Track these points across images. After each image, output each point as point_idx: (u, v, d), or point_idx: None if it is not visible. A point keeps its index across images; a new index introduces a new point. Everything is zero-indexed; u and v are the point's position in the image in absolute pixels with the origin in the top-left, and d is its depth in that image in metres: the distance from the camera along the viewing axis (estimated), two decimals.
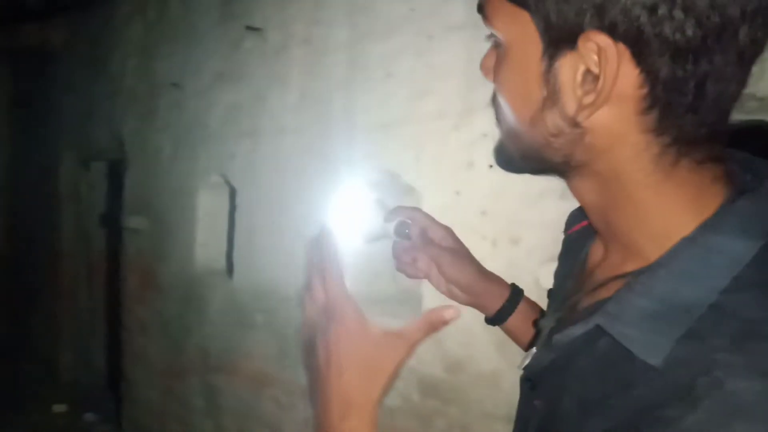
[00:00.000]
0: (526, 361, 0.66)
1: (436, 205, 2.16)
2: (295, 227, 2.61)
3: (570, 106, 0.49)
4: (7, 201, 5.72)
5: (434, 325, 0.65)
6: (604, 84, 0.46)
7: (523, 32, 0.50)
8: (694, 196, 0.50)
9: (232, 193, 3.26)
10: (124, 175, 4.06)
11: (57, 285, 4.94)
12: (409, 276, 0.86)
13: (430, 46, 2.13)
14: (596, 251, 0.62)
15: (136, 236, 3.88)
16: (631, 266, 0.53)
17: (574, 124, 0.50)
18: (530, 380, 0.65)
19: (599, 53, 0.46)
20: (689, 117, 0.47)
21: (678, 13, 0.43)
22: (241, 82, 3.07)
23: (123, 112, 4.07)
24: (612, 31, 0.45)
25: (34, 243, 5.24)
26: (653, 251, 0.51)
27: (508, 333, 0.91)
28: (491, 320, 0.89)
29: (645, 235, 0.52)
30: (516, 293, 0.88)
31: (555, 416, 0.56)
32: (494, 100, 0.58)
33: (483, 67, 0.58)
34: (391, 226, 0.85)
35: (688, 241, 0.49)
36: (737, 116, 1.47)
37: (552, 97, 0.50)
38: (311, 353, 0.63)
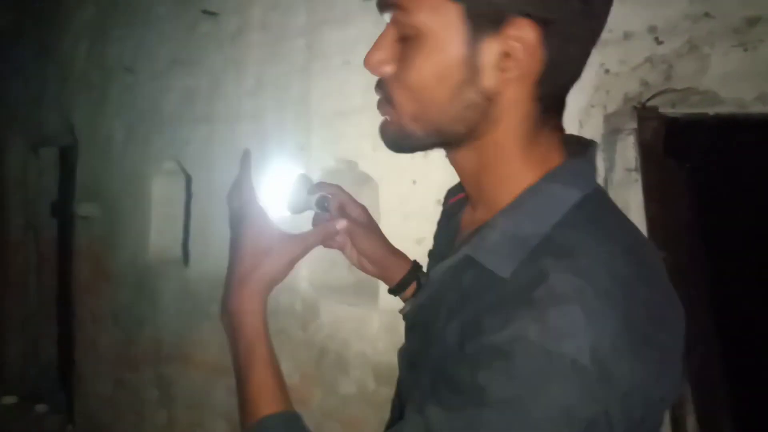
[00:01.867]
0: (407, 308, 0.81)
1: (393, 193, 2.17)
2: None
3: (489, 83, 0.59)
4: None
5: (328, 233, 0.85)
6: (525, 64, 0.58)
7: (447, 20, 0.58)
8: (543, 157, 0.64)
9: (188, 181, 3.21)
10: (75, 162, 3.95)
11: (4, 275, 4.79)
12: (326, 246, 0.95)
13: None
14: (467, 215, 0.75)
15: (87, 224, 3.78)
16: (490, 215, 0.65)
17: (488, 97, 0.60)
18: (409, 328, 0.80)
19: (522, 37, 0.56)
20: (560, 88, 0.63)
21: (577, 5, 0.57)
22: (196, 67, 3.02)
23: (74, 97, 3.95)
24: (532, 17, 0.56)
25: None
26: (505, 199, 0.64)
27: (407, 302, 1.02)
28: (392, 290, 1.00)
29: (505, 190, 0.64)
30: (416, 267, 0.99)
31: (429, 339, 0.67)
32: (387, 88, 0.64)
33: (374, 60, 0.64)
34: (314, 199, 0.92)
35: (531, 189, 0.63)
36: (682, 109, 1.50)
37: (471, 75, 0.59)
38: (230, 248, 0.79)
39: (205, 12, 2.88)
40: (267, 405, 0.70)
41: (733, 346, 1.87)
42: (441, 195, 2.22)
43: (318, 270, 2.45)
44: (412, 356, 0.74)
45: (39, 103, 4.30)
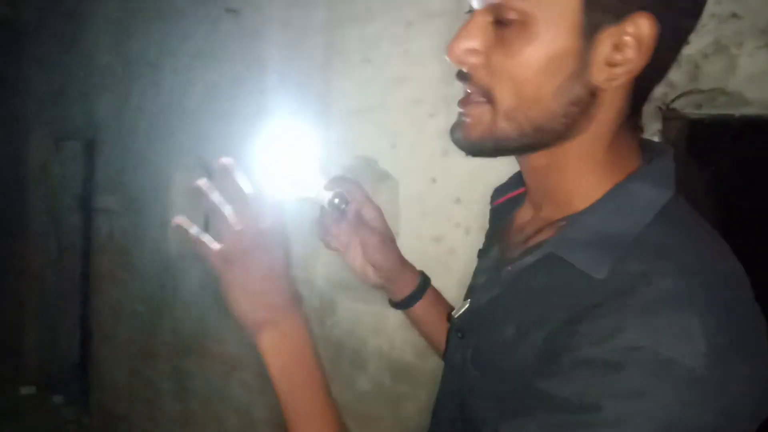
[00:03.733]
0: (461, 311, 0.74)
1: (412, 192, 2.16)
2: None
3: (597, 77, 0.56)
4: None
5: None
6: (639, 61, 0.54)
7: (563, 7, 0.54)
8: (624, 157, 0.61)
9: (208, 176, 3.22)
10: (98, 155, 3.99)
11: (26, 266, 4.85)
12: (327, 246, 0.88)
13: (408, 33, 2.13)
14: (524, 214, 0.71)
15: (108, 217, 3.82)
16: (563, 214, 0.62)
17: (594, 93, 0.57)
18: (460, 331, 0.72)
19: (639, 33, 0.53)
20: (650, 87, 0.60)
21: (690, 2, 0.55)
22: (218, 62, 3.03)
23: (97, 91, 3.99)
24: (656, 14, 0.53)
25: (1, 222, 5.14)
26: (583, 202, 0.61)
27: (412, 318, 0.95)
28: (398, 304, 0.93)
29: (580, 189, 0.61)
30: (425, 282, 0.93)
31: (493, 345, 0.63)
32: (480, 81, 0.58)
33: (463, 48, 0.58)
34: (328, 196, 0.83)
35: (618, 188, 0.60)
36: (707, 110, 1.48)
37: (581, 70, 0.56)
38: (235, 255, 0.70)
39: (227, 10, 2.90)
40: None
41: None
42: (460, 193, 2.22)
43: (334, 266, 2.45)
44: (471, 362, 0.68)
45: (62, 97, 4.35)
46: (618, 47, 0.54)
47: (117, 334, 3.76)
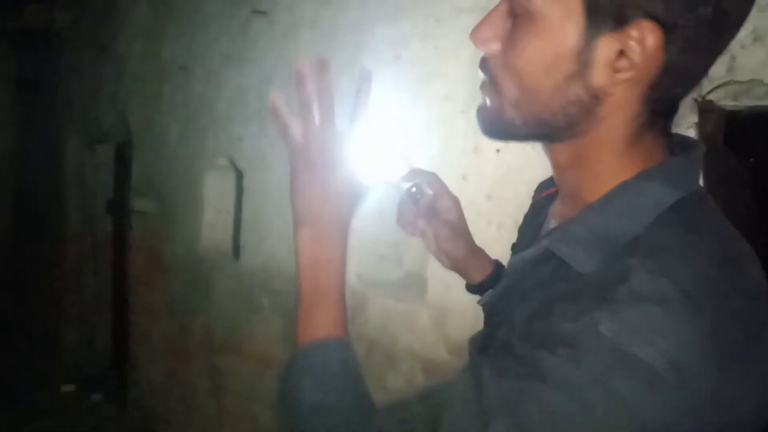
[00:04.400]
0: (485, 300, 0.80)
1: None
2: None
3: (598, 81, 0.56)
4: (13, 183, 5.74)
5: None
6: (641, 67, 0.54)
7: (567, 7, 0.55)
8: (646, 160, 0.60)
9: (239, 176, 3.26)
10: (131, 158, 4.06)
11: (62, 267, 4.96)
12: (406, 232, 0.93)
13: (438, 29, 2.13)
14: (555, 210, 0.72)
15: (142, 218, 3.89)
16: (576, 209, 0.63)
17: (594, 95, 0.57)
18: (487, 315, 0.79)
19: (642, 40, 0.53)
20: (675, 94, 0.59)
21: (708, 13, 0.52)
22: (248, 64, 3.07)
23: (129, 94, 4.06)
24: (657, 20, 0.52)
25: (39, 225, 5.26)
26: (593, 195, 0.61)
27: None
28: (471, 288, 0.98)
29: (596, 187, 0.61)
30: (497, 270, 0.97)
31: (499, 334, 0.64)
32: (491, 68, 0.61)
33: (482, 36, 0.61)
34: (406, 186, 0.89)
35: (622, 186, 0.59)
36: (745, 102, 1.45)
37: (580, 71, 0.56)
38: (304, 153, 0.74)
39: (255, 12, 2.93)
40: (325, 327, 0.71)
41: None
42: (491, 190, 2.22)
43: (366, 264, 2.46)
44: (482, 341, 0.71)
45: (96, 101, 4.44)
46: (623, 53, 0.54)
47: (152, 334, 3.82)
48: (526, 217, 0.86)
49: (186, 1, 3.55)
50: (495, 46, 0.60)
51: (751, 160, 1.63)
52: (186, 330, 3.51)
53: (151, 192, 3.81)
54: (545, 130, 0.61)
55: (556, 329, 0.52)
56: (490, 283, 0.94)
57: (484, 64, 0.62)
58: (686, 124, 1.48)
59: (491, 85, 0.62)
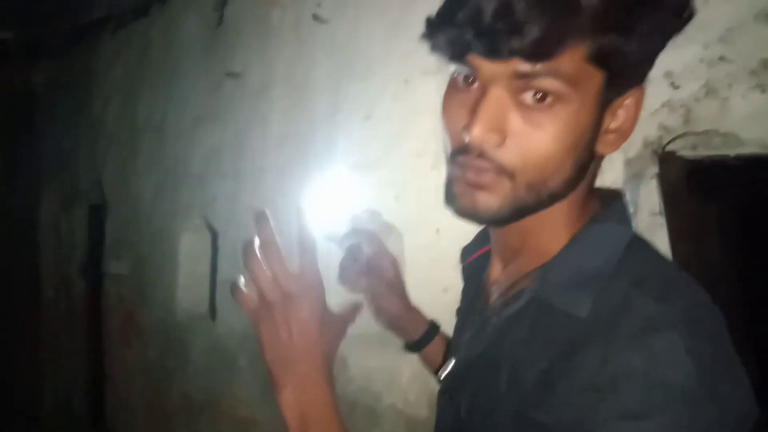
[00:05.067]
0: (447, 370, 0.76)
1: (418, 242, 2.18)
2: None
3: (600, 145, 0.61)
4: None
5: (356, 310, 0.76)
6: (631, 127, 0.61)
7: (593, 88, 0.57)
8: (588, 204, 0.66)
9: (214, 236, 3.25)
10: (106, 219, 4.04)
11: (37, 330, 4.85)
12: (347, 290, 0.96)
13: (407, 89, 2.18)
14: (493, 271, 0.73)
15: (117, 281, 3.84)
16: (537, 264, 0.65)
17: (593, 156, 0.62)
18: (447, 392, 0.75)
19: (632, 104, 0.60)
20: None
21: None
22: (222, 124, 3.10)
23: (104, 156, 4.07)
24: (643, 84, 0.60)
25: (13, 288, 5.16)
26: (556, 246, 0.64)
27: (424, 362, 1.02)
28: (408, 346, 1.01)
29: (555, 238, 0.64)
30: (433, 328, 1.00)
31: (488, 398, 0.64)
32: (500, 158, 0.57)
33: (495, 128, 0.56)
34: (346, 244, 0.93)
35: (585, 230, 0.64)
36: (703, 152, 1.49)
37: (592, 140, 0.60)
38: (277, 314, 0.68)
39: (228, 74, 2.98)
40: None
41: None
42: (465, 243, 2.23)
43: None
44: (466, 419, 0.68)
45: (70, 162, 4.43)
46: (613, 116, 0.60)
47: (130, 396, 3.73)
48: (465, 281, 0.87)
49: (160, 63, 3.60)
50: (499, 138, 0.57)
51: (715, 205, 1.67)
52: (164, 393, 3.43)
53: (126, 254, 3.77)
54: (553, 201, 0.62)
55: (587, 382, 0.52)
56: (425, 339, 0.98)
57: (482, 153, 0.58)
58: (648, 175, 1.52)
59: (497, 171, 0.58)
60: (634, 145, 1.56)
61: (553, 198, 0.61)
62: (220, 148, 3.11)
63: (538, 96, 0.55)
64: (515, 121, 0.56)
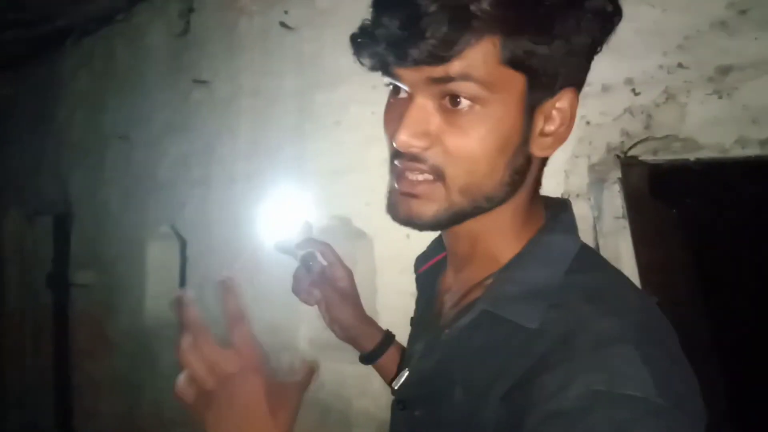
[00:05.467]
0: (401, 381, 0.75)
1: (388, 248, 2.19)
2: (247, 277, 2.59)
3: (534, 147, 0.61)
4: None
5: (311, 374, 0.67)
6: (566, 130, 0.61)
7: (515, 91, 0.58)
8: (534, 213, 0.67)
9: (183, 244, 3.22)
10: (71, 229, 3.97)
11: (1, 343, 4.74)
12: (301, 300, 0.95)
13: (374, 95, 2.19)
14: (446, 280, 0.74)
15: (84, 291, 3.78)
16: (488, 272, 0.65)
17: (530, 160, 0.62)
18: (401, 401, 0.75)
19: (565, 106, 0.60)
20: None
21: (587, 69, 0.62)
22: (190, 132, 3.07)
23: (70, 165, 4.00)
24: (578, 90, 0.61)
25: None
26: (503, 258, 0.65)
27: (380, 373, 1.01)
28: (363, 358, 1.00)
29: (505, 245, 0.65)
30: (387, 339, 0.99)
31: (443, 412, 0.63)
32: (431, 162, 0.59)
33: (414, 134, 0.58)
34: (299, 253, 0.92)
35: (533, 241, 0.65)
36: (664, 156, 1.54)
37: (524, 143, 0.60)
38: (218, 401, 0.62)
39: (195, 81, 2.96)
40: None
41: (736, 387, 1.87)
42: None
43: (317, 328, 2.45)
44: (429, 425, 0.67)
45: (35, 173, 4.35)
46: (547, 119, 0.60)
47: (98, 411, 3.66)
48: (419, 291, 0.87)
49: (126, 71, 3.56)
50: (426, 143, 0.59)
51: (674, 209, 1.71)
52: (134, 406, 3.38)
53: (93, 264, 3.71)
54: (491, 205, 0.62)
55: (554, 408, 0.51)
56: (379, 351, 0.97)
57: (414, 158, 0.60)
58: (611, 179, 1.56)
59: (430, 176, 0.60)
60: (597, 150, 1.60)
61: (491, 202, 0.62)
62: (188, 156, 3.08)
63: (458, 99, 0.57)
64: (440, 125, 0.59)
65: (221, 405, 0.61)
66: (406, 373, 0.75)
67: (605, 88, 1.57)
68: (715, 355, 1.79)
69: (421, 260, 0.86)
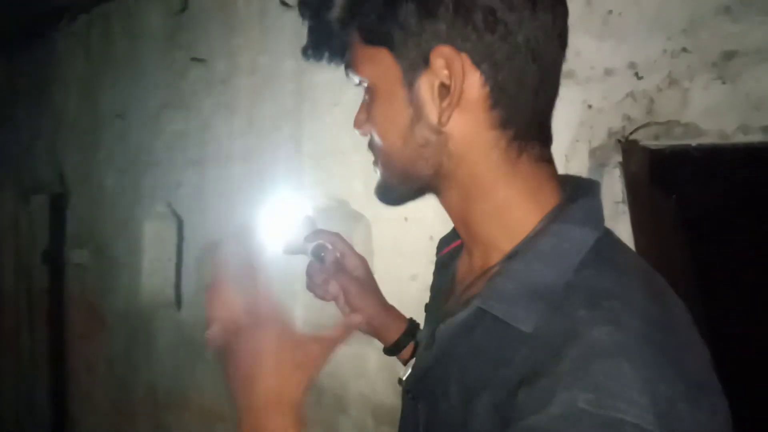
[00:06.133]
0: (408, 372, 0.74)
1: (386, 231, 2.18)
2: None
3: (432, 116, 0.59)
4: None
5: (348, 329, 0.70)
6: (455, 88, 0.57)
7: (385, 67, 0.60)
8: (535, 189, 0.60)
9: (179, 223, 3.21)
10: (66, 209, 3.95)
11: None
12: (318, 296, 0.91)
13: None
14: (463, 264, 0.70)
15: (79, 271, 3.77)
16: (494, 261, 0.61)
17: (438, 131, 0.59)
18: (409, 391, 0.72)
19: (448, 65, 0.56)
20: (528, 111, 0.59)
21: (500, 29, 0.55)
22: (186, 111, 3.05)
23: (65, 145, 3.97)
24: (452, 42, 0.56)
25: None
26: (508, 243, 0.60)
27: (403, 362, 0.96)
28: (388, 350, 0.95)
29: (500, 229, 0.61)
30: (412, 327, 0.94)
31: (441, 410, 0.61)
32: (371, 145, 0.67)
33: (357, 123, 0.68)
34: (310, 246, 0.89)
35: (542, 231, 0.58)
36: (665, 142, 1.52)
37: (417, 114, 0.60)
38: (232, 357, 0.63)
39: (193, 59, 2.93)
40: None
41: (732, 378, 1.87)
42: (433, 231, 2.25)
43: (312, 308, 2.44)
44: (429, 421, 0.65)
45: (31, 152, 4.32)
46: (442, 84, 0.58)
47: (93, 391, 3.67)
48: (435, 275, 0.83)
49: (123, 49, 3.52)
50: (366, 131, 0.67)
51: (674, 195, 1.70)
52: (128, 386, 3.38)
53: (88, 243, 3.70)
54: (417, 181, 0.64)
55: (536, 425, 0.47)
56: (404, 341, 0.93)
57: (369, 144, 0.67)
58: (612, 164, 1.55)
59: (375, 160, 0.67)
60: (598, 134, 1.58)
61: (410, 178, 0.64)
62: (184, 135, 3.06)
63: (364, 86, 0.65)
64: (364, 116, 0.66)
65: (236, 357, 0.63)
66: (412, 363, 0.75)
67: (607, 72, 1.55)
68: (710, 347, 1.78)
69: (443, 243, 0.83)
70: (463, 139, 0.59)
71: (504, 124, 0.59)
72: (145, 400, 3.27)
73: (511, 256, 0.59)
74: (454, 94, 0.57)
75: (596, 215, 0.60)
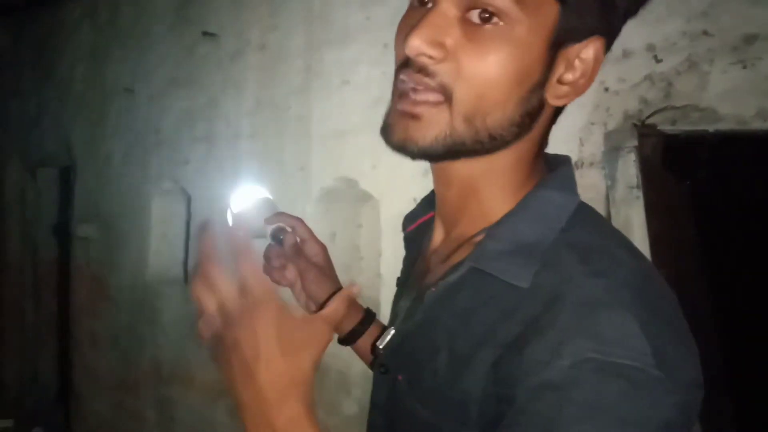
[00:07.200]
0: (386, 339, 0.70)
1: (394, 211, 2.16)
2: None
3: (550, 93, 0.56)
4: None
5: (345, 301, 0.64)
6: (586, 82, 0.56)
7: (544, 19, 0.53)
8: (534, 168, 0.62)
9: (187, 200, 3.20)
10: (74, 182, 3.94)
11: (2, 297, 4.76)
12: (273, 280, 0.88)
13: (385, 55, 2.14)
14: (437, 236, 0.69)
15: (86, 245, 3.77)
16: (480, 227, 0.61)
17: (542, 107, 0.57)
18: (383, 366, 0.69)
19: (589, 57, 0.55)
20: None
21: (620, 25, 0.57)
22: (195, 87, 3.02)
23: (72, 118, 3.95)
24: (606, 41, 0.56)
25: None
26: (495, 214, 0.60)
27: (358, 353, 0.93)
28: (343, 340, 0.92)
29: (498, 201, 0.61)
30: (368, 317, 0.92)
31: (426, 379, 0.59)
32: (441, 78, 0.54)
33: (427, 40, 0.52)
34: (269, 229, 0.87)
35: (528, 196, 0.60)
36: (682, 126, 1.50)
37: (542, 82, 0.56)
38: (227, 346, 0.58)
39: (205, 33, 2.89)
40: None
41: (737, 361, 1.86)
42: None
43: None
44: (408, 396, 0.62)
45: (38, 125, 4.30)
46: (568, 67, 0.56)
47: (98, 364, 3.69)
48: (407, 250, 0.82)
49: (131, 22, 3.49)
50: (441, 54, 0.53)
51: (688, 182, 1.68)
52: (133, 360, 3.40)
53: (95, 217, 3.70)
54: (492, 144, 0.56)
55: (546, 379, 0.48)
56: (360, 330, 0.90)
57: (423, 70, 0.54)
58: (627, 148, 1.52)
59: (437, 95, 0.54)
60: (614, 117, 1.56)
61: (494, 140, 0.56)
62: (193, 111, 3.04)
63: (486, 15, 0.52)
64: (459, 39, 0.53)
65: (234, 345, 0.57)
66: (391, 333, 0.69)
67: (625, 54, 1.53)
68: (715, 332, 1.78)
69: (409, 219, 0.80)
70: (544, 120, 0.60)
71: (557, 114, 0.62)
72: (148, 375, 3.28)
73: (502, 220, 0.60)
74: (581, 87, 0.57)
75: (573, 183, 0.63)
